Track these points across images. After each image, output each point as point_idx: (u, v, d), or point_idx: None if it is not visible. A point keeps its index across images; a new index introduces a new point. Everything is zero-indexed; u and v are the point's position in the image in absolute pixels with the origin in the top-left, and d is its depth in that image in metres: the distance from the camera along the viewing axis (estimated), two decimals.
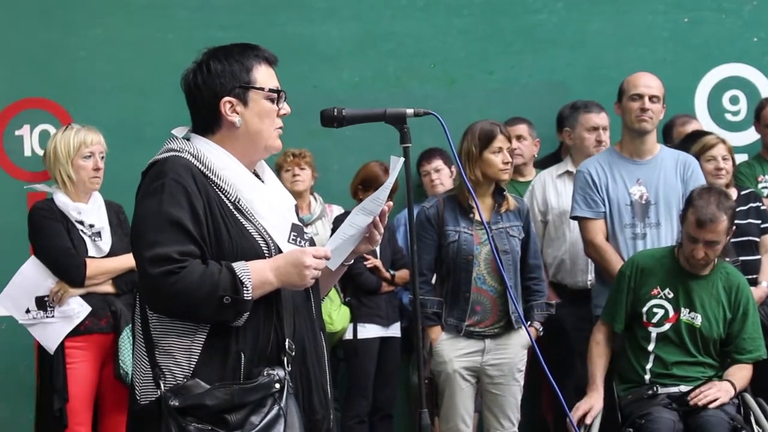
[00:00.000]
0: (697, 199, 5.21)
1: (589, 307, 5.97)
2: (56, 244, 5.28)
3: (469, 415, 5.54)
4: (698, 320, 5.30)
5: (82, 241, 5.30)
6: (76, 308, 5.28)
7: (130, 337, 5.25)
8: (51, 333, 5.27)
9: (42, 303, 5.28)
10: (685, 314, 5.31)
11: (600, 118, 6.41)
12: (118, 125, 6.71)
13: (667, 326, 5.32)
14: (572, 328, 6.21)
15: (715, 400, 5.16)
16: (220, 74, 3.17)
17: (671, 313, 5.32)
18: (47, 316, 5.27)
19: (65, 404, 5.21)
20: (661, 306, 5.33)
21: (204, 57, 3.22)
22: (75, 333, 5.27)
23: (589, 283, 6.23)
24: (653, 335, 5.32)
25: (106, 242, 5.36)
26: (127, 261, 5.21)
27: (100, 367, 5.33)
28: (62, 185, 5.34)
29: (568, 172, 6.44)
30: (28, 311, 5.29)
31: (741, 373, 5.32)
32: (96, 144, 5.35)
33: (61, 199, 5.33)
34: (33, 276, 5.30)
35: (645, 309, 5.34)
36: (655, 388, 5.26)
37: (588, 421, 5.27)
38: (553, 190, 6.44)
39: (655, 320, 5.33)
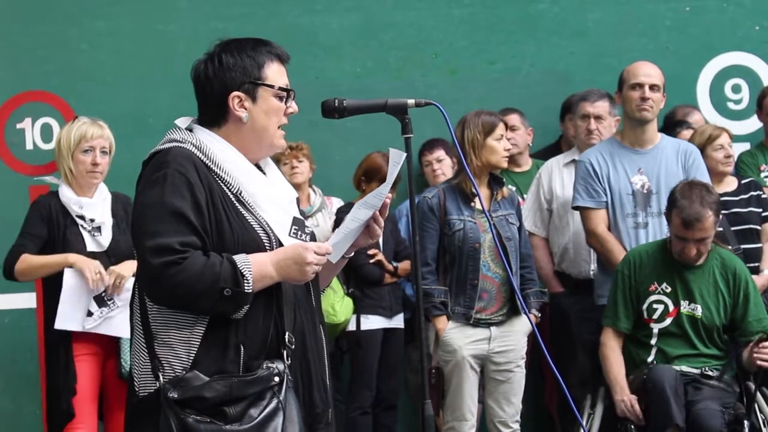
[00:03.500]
0: (680, 199, 5.20)
1: (592, 296, 5.96)
2: (21, 236, 5.34)
3: (475, 405, 5.58)
4: (698, 311, 5.30)
5: (79, 236, 5.30)
6: None
7: None
8: (125, 323, 5.23)
9: (102, 300, 5.24)
10: (685, 306, 5.31)
11: (594, 107, 6.36)
12: (120, 117, 6.70)
13: (668, 321, 5.32)
14: (576, 317, 6.20)
15: None
16: (231, 68, 3.16)
17: (671, 308, 5.32)
18: (111, 311, 5.24)
19: (72, 398, 5.20)
20: (660, 301, 5.33)
21: (217, 49, 3.21)
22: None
23: (591, 272, 6.22)
24: (655, 331, 5.32)
25: (106, 237, 5.35)
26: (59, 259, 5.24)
27: (103, 362, 5.33)
28: (65, 178, 5.35)
29: (574, 161, 6.42)
30: (90, 314, 5.21)
31: None
32: (97, 138, 5.33)
33: (65, 193, 5.34)
34: (78, 283, 5.23)
35: (645, 306, 5.34)
36: (654, 361, 5.27)
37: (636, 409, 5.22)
38: (558, 178, 6.41)
39: (655, 316, 5.33)
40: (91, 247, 5.30)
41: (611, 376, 5.37)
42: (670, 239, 5.40)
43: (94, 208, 5.34)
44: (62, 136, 5.36)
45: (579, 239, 6.23)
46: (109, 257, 5.34)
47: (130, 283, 5.25)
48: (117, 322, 5.24)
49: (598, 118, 6.33)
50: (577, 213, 6.08)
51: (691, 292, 5.31)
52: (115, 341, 5.30)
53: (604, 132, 6.33)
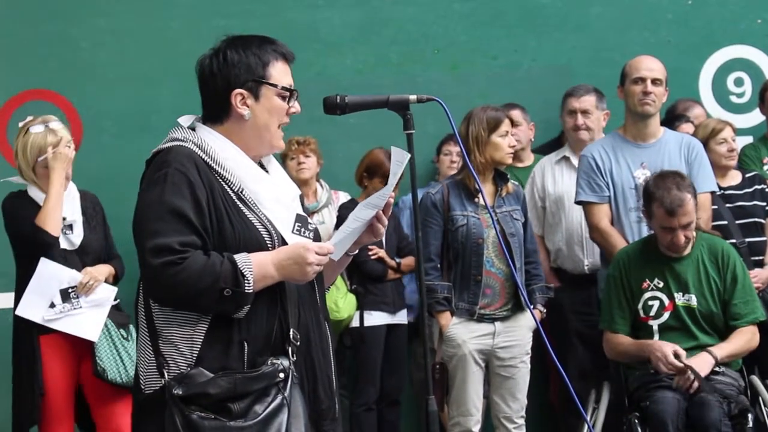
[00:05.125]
0: (657, 191, 5.20)
1: (588, 291, 5.98)
2: (26, 223, 5.16)
3: (480, 400, 5.58)
4: (693, 300, 5.29)
5: None
6: (107, 293, 5.25)
7: (106, 335, 5.25)
8: (86, 323, 5.19)
9: (66, 295, 5.20)
10: (679, 298, 5.29)
11: (579, 102, 6.41)
12: (122, 115, 6.74)
13: (666, 315, 5.31)
14: (573, 311, 6.23)
15: (696, 379, 5.09)
16: (236, 65, 3.17)
17: (666, 302, 5.31)
18: (73, 308, 5.19)
19: (42, 399, 5.15)
20: (655, 297, 5.32)
21: (222, 45, 3.21)
22: (50, 329, 5.18)
23: (586, 268, 6.26)
24: (655, 328, 5.30)
25: (77, 235, 5.31)
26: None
27: (77, 362, 5.28)
28: (31, 182, 5.28)
29: (565, 158, 6.45)
30: (53, 305, 5.16)
31: (737, 338, 5.29)
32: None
33: (34, 193, 5.27)
34: (50, 273, 5.17)
35: (640, 305, 5.33)
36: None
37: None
38: (550, 176, 6.45)
39: (652, 313, 5.32)
40: (63, 245, 5.24)
41: (639, 348, 5.27)
42: (654, 235, 5.38)
43: (65, 207, 5.24)
44: (18, 148, 5.23)
45: (571, 236, 6.28)
46: (80, 255, 5.31)
47: (101, 288, 5.26)
48: (78, 321, 5.18)
49: (584, 112, 6.40)
50: (569, 210, 6.10)
51: (683, 283, 5.29)
52: (89, 341, 5.23)
53: (592, 126, 6.39)
